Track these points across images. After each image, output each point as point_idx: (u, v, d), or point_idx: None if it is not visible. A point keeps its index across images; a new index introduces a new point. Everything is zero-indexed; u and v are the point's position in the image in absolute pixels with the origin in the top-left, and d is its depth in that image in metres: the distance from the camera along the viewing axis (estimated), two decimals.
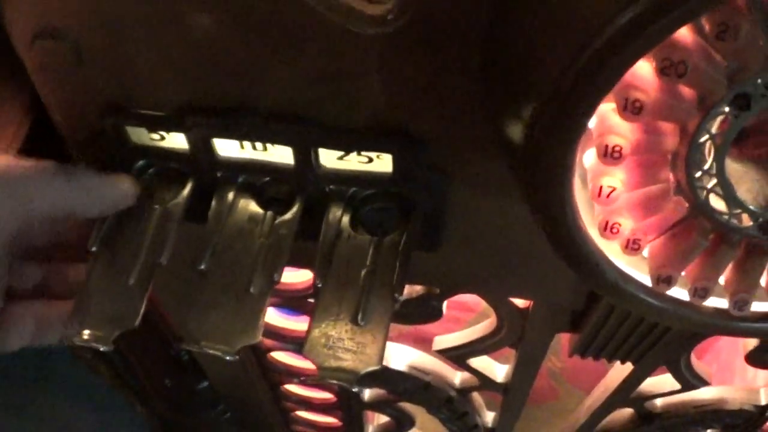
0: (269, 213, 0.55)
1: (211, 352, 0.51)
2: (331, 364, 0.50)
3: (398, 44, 0.44)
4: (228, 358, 0.51)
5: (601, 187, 0.42)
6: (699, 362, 0.76)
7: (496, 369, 0.79)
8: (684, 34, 0.36)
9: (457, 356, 0.76)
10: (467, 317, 0.86)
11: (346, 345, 0.51)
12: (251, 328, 0.52)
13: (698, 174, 0.41)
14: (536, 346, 0.70)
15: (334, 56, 0.46)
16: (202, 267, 0.53)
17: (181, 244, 0.54)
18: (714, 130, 0.40)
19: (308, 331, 0.52)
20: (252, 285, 0.52)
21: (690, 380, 0.75)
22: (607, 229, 0.43)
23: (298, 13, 0.44)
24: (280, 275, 0.53)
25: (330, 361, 0.50)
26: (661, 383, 0.79)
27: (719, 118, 0.39)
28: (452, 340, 0.74)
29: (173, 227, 0.55)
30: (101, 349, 0.51)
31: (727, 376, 0.88)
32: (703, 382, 0.76)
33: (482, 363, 0.78)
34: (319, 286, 0.52)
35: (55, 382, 0.91)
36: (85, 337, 0.51)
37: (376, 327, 0.51)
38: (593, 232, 0.43)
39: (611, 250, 0.45)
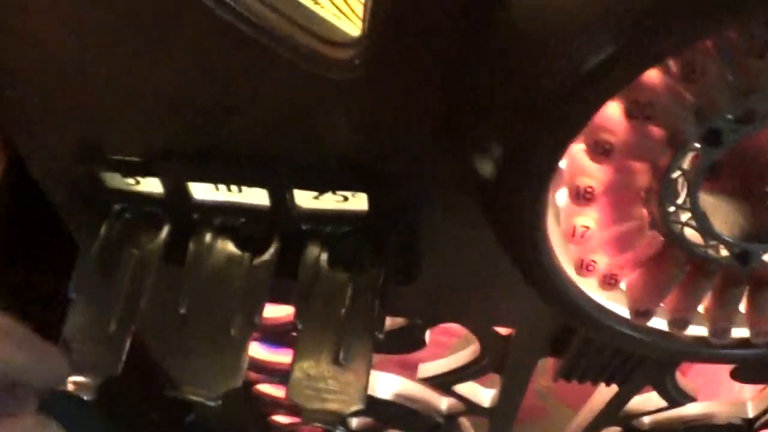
0: (247, 254, 0.55)
1: (192, 398, 0.51)
2: (314, 406, 0.50)
3: (366, 88, 0.44)
4: (211, 404, 0.51)
5: (574, 227, 0.41)
6: (684, 379, 0.76)
7: (482, 394, 0.79)
8: (651, 75, 0.36)
9: (442, 383, 0.76)
10: (451, 341, 0.85)
11: (329, 385, 0.51)
12: (233, 372, 0.52)
13: (672, 209, 0.41)
14: (520, 372, 0.70)
15: (303, 100, 0.46)
16: (182, 311, 0.53)
17: (163, 287, 0.54)
18: (686, 166, 0.40)
19: (291, 373, 0.52)
20: (232, 328, 0.52)
21: (676, 398, 0.75)
22: (583, 267, 0.43)
23: (262, 58, 0.44)
24: (260, 317, 0.53)
25: (314, 402, 0.50)
26: (647, 401, 0.79)
27: (690, 154, 0.39)
28: (436, 368, 0.74)
29: (152, 272, 0.54)
30: (85, 398, 0.51)
31: (714, 390, 0.88)
32: (689, 399, 0.76)
33: (468, 389, 0.78)
34: (299, 327, 0.52)
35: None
36: (70, 387, 0.51)
37: (357, 366, 0.51)
38: (569, 269, 0.43)
39: (588, 285, 0.45)
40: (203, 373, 0.52)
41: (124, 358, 0.52)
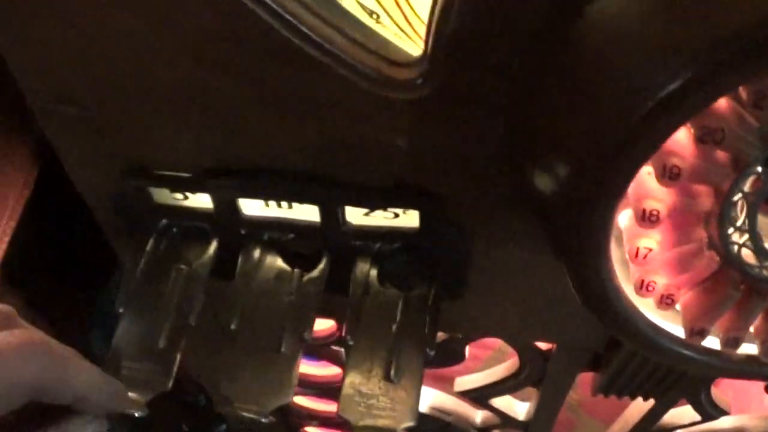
0: (296, 270, 0.55)
1: (244, 414, 0.51)
2: (366, 423, 0.51)
3: (424, 108, 0.44)
4: (264, 420, 0.51)
5: (638, 249, 0.42)
6: (718, 392, 0.76)
7: (517, 407, 0.79)
8: (721, 102, 0.36)
9: (478, 397, 0.76)
10: (484, 354, 0.86)
11: (381, 402, 0.51)
12: (284, 388, 0.52)
13: (731, 230, 0.42)
14: (558, 386, 0.71)
15: (359, 120, 0.46)
16: (232, 327, 0.53)
17: (208, 302, 0.55)
18: (747, 188, 0.40)
19: (341, 389, 0.52)
20: (282, 344, 0.53)
21: (710, 412, 0.75)
22: (643, 287, 0.44)
23: (323, 77, 0.44)
24: (311, 333, 0.53)
25: (366, 419, 0.51)
26: (680, 415, 0.79)
27: (752, 178, 0.40)
28: (474, 381, 0.75)
29: (200, 287, 0.55)
30: (136, 414, 0.51)
31: (744, 404, 0.88)
32: (723, 413, 0.76)
33: (503, 402, 0.78)
34: (350, 343, 0.53)
35: None
36: None
37: (409, 382, 0.52)
38: (628, 290, 0.44)
39: (645, 305, 0.45)
40: (254, 388, 0.52)
41: (174, 373, 0.52)
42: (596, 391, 0.68)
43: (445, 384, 0.79)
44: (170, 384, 0.52)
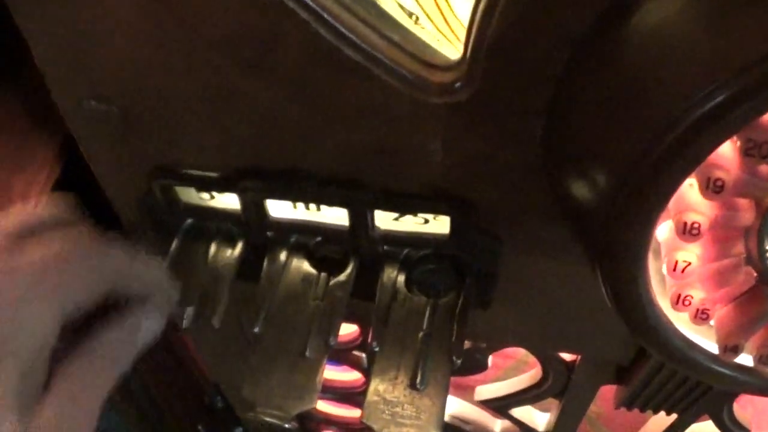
0: (323, 274, 0.54)
1: (267, 419, 0.51)
2: (391, 430, 0.50)
3: (462, 113, 0.44)
4: (287, 426, 0.50)
5: (676, 262, 0.41)
6: (738, 409, 0.75)
7: (537, 418, 0.79)
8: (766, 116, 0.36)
9: (499, 406, 0.75)
10: (505, 363, 0.85)
11: (405, 410, 0.51)
12: (308, 392, 0.51)
13: None
14: (581, 397, 0.70)
15: (395, 123, 0.46)
16: (257, 330, 0.53)
17: (232, 304, 0.54)
18: None
19: (366, 395, 0.51)
20: (307, 349, 0.52)
21: (731, 428, 0.75)
22: (680, 301, 0.43)
23: (360, 81, 0.43)
24: (336, 338, 0.53)
25: (390, 427, 0.50)
26: (701, 431, 0.78)
27: None
28: (496, 390, 0.74)
29: (225, 289, 0.54)
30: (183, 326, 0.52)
31: (764, 421, 0.87)
32: (744, 430, 0.76)
33: (523, 412, 0.77)
34: (376, 349, 0.52)
35: None
36: None
37: (434, 391, 0.51)
38: (663, 303, 0.43)
39: (680, 319, 0.45)
40: (277, 393, 0.51)
41: None
42: (619, 404, 0.68)
43: (465, 393, 0.78)
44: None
